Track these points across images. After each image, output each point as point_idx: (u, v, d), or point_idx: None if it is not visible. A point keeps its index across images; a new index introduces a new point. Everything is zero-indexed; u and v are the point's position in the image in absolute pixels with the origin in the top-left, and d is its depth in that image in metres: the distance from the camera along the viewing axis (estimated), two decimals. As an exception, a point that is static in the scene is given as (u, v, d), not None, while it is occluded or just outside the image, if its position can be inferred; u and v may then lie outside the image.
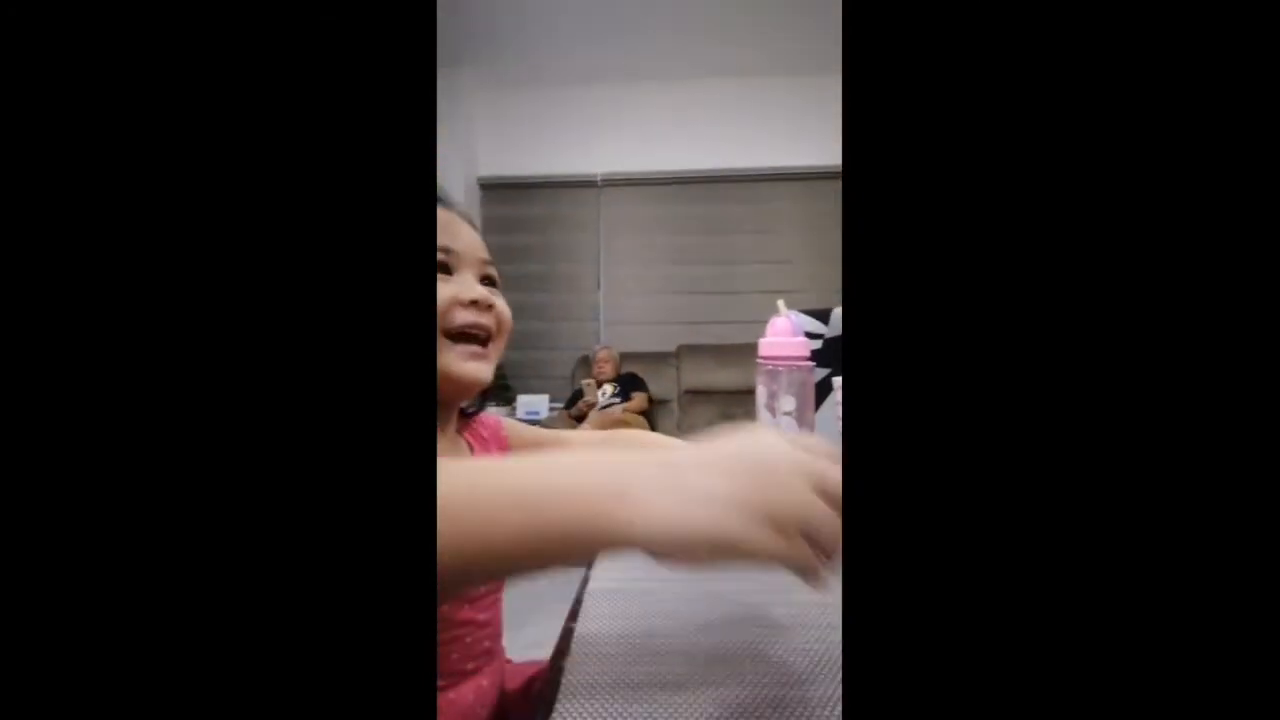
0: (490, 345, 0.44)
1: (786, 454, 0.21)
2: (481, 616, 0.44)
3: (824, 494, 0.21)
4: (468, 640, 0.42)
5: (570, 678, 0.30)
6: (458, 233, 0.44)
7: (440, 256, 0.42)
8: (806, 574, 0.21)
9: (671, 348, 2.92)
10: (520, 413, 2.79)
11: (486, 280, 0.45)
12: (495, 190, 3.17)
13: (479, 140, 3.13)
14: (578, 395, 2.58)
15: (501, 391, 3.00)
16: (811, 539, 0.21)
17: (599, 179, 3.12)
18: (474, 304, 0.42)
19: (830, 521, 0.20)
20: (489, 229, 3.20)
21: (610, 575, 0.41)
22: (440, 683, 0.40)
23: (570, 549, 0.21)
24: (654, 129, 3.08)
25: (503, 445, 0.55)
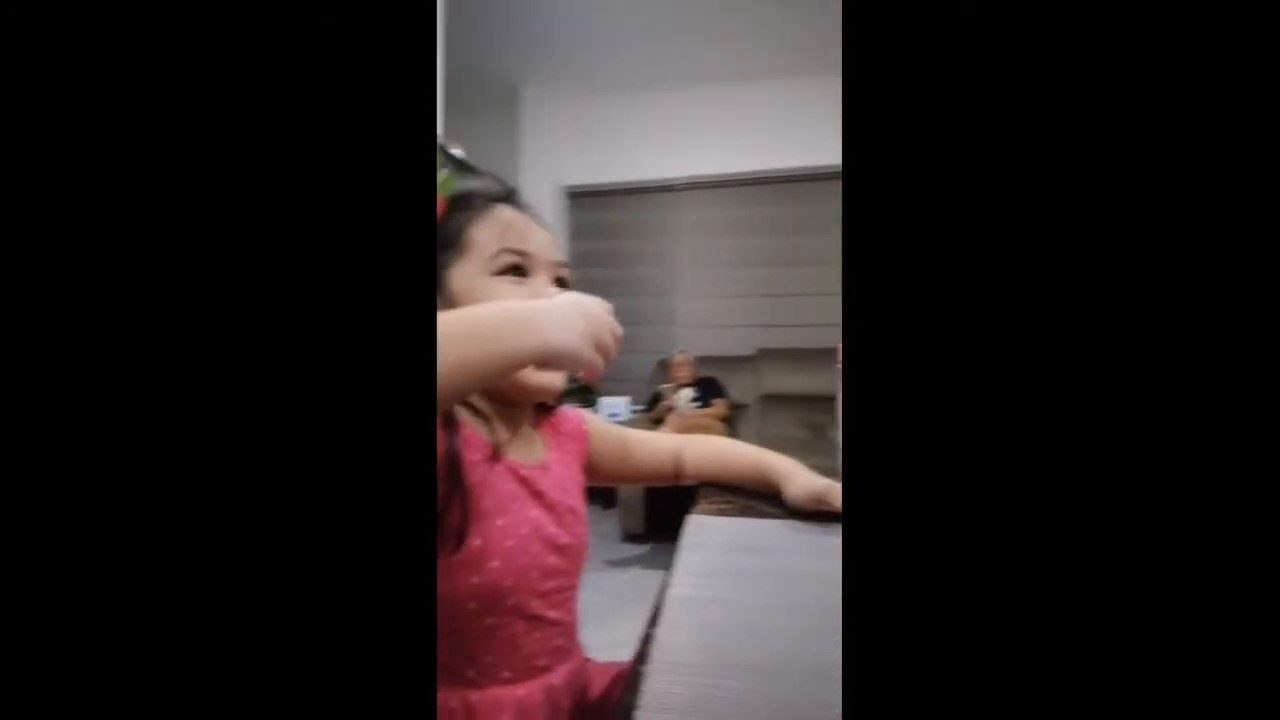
0: None
1: (594, 305, 0.37)
2: (552, 614, 0.44)
3: (609, 329, 0.37)
4: (537, 635, 0.42)
5: (650, 686, 0.30)
6: (530, 235, 0.45)
7: (515, 259, 0.44)
8: (599, 373, 0.37)
9: (750, 351, 2.85)
10: (602, 414, 2.85)
11: (559, 282, 0.46)
12: (581, 198, 3.26)
13: (566, 150, 3.24)
14: (657, 398, 2.59)
15: (584, 394, 3.08)
16: (606, 356, 0.37)
17: (679, 183, 3.13)
18: None
19: (615, 344, 0.37)
20: (574, 236, 3.30)
21: (690, 582, 0.41)
22: (507, 675, 0.41)
23: (510, 364, 0.33)
24: (732, 131, 3.03)
25: (582, 441, 0.56)
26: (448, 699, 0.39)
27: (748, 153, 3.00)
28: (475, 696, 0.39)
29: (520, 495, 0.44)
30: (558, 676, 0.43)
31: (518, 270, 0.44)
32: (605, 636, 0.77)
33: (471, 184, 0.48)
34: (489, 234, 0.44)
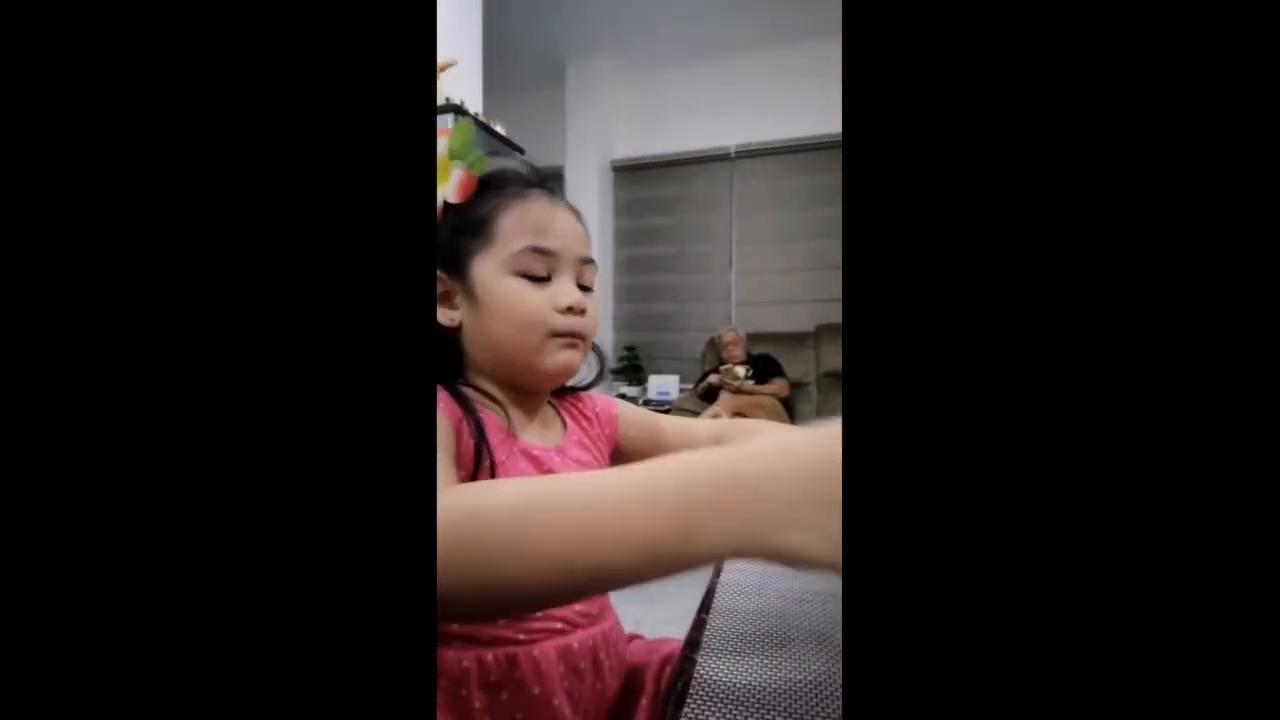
0: (582, 340, 0.44)
1: (833, 466, 0.19)
2: None
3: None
4: None
5: (702, 673, 0.28)
6: (559, 229, 0.43)
7: (537, 259, 0.42)
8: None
9: (810, 327, 2.75)
10: (651, 393, 2.85)
11: (582, 288, 0.45)
12: (628, 172, 3.22)
13: (613, 124, 3.20)
14: (707, 376, 2.56)
15: (633, 373, 3.09)
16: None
17: (732, 151, 3.02)
18: (569, 310, 0.42)
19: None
20: (621, 213, 3.27)
21: (742, 568, 0.39)
22: (522, 637, 0.40)
23: (705, 556, 0.20)
24: (784, 95, 2.89)
25: (611, 425, 0.54)
26: (460, 658, 0.39)
27: (801, 118, 2.85)
28: (489, 655, 0.40)
29: (531, 475, 0.43)
30: (576, 640, 0.42)
31: (541, 270, 0.42)
32: (655, 613, 0.76)
33: (504, 165, 0.46)
34: (516, 226, 0.42)
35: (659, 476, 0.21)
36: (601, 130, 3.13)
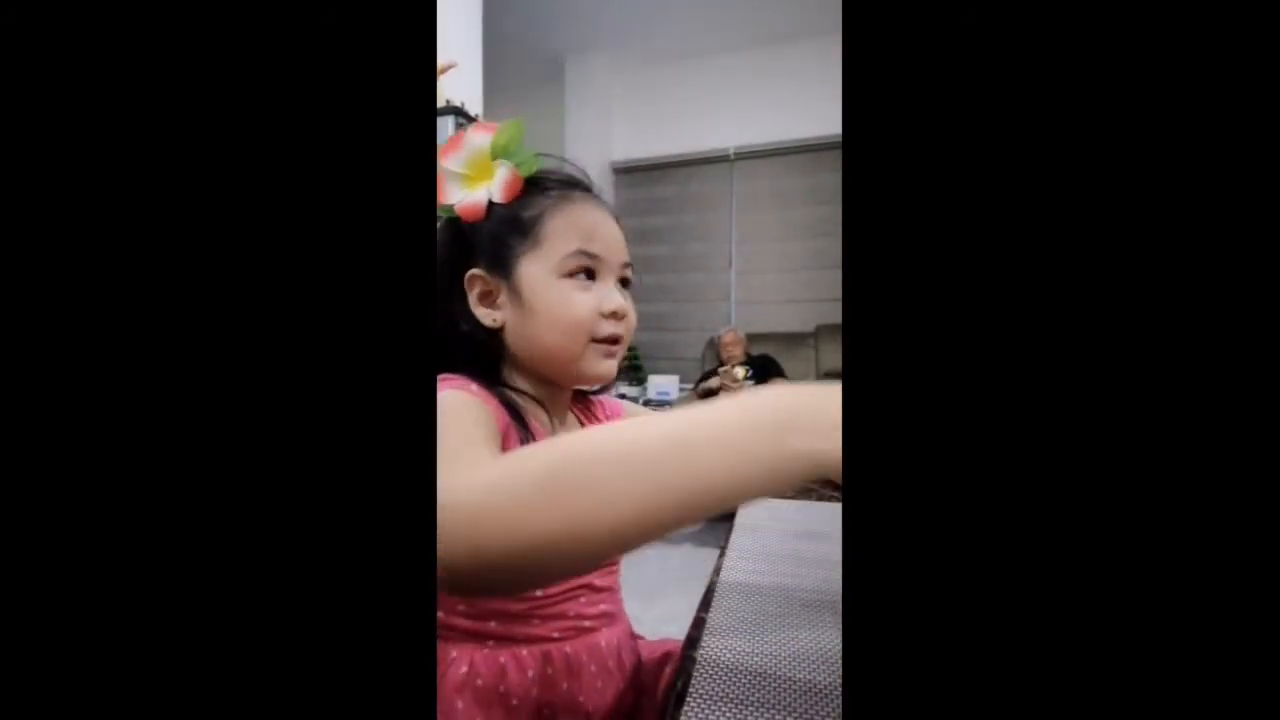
0: (619, 345, 0.45)
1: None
2: (599, 582, 0.45)
3: None
4: (584, 600, 0.43)
5: (701, 673, 0.28)
6: (604, 234, 0.44)
7: (585, 262, 0.43)
8: None
9: (810, 328, 2.75)
10: (651, 393, 2.85)
11: (623, 283, 0.46)
12: (628, 174, 3.22)
13: (613, 124, 3.20)
14: (707, 376, 2.56)
15: (633, 373, 3.09)
16: None
17: (731, 153, 3.02)
18: (613, 315, 0.43)
19: None
20: (621, 213, 3.25)
21: (745, 566, 0.39)
22: (556, 635, 0.42)
23: (771, 485, 0.23)
24: (787, 94, 2.89)
25: None
26: (496, 656, 0.40)
27: (801, 118, 2.85)
28: (525, 652, 0.41)
29: None
30: (603, 638, 0.44)
31: (587, 273, 0.43)
32: (655, 612, 0.76)
33: (549, 165, 0.47)
34: (565, 229, 0.43)
35: (745, 403, 0.23)
36: (601, 130, 3.13)
